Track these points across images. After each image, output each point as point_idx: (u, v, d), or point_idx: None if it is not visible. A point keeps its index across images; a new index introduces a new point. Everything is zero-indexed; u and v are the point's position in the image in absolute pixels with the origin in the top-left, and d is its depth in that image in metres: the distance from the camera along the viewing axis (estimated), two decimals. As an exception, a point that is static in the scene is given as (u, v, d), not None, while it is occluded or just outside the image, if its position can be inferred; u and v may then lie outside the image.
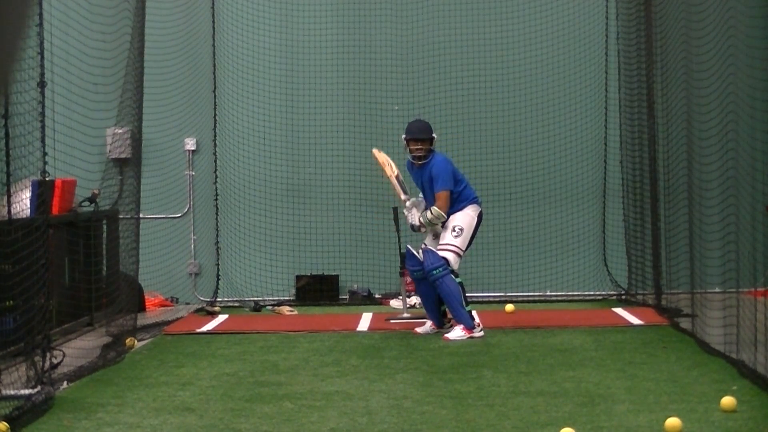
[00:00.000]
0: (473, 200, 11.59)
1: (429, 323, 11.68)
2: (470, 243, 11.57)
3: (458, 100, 14.96)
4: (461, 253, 11.47)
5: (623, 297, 14.08)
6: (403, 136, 11.70)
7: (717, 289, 10.48)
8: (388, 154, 14.93)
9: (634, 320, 12.24)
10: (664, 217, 12.76)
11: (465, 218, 11.48)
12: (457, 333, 11.22)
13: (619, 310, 13.04)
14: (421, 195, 11.70)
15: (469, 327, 11.24)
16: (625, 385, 8.73)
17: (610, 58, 14.68)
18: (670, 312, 12.24)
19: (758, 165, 10.19)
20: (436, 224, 11.45)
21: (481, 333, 11.28)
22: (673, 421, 7.19)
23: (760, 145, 10.34)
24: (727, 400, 7.72)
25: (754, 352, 8.77)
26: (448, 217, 11.43)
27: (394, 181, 11.88)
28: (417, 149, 11.53)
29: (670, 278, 12.55)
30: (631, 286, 14.17)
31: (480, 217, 11.59)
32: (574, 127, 14.66)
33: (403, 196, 11.74)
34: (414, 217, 11.59)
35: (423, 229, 11.60)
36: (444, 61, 15.02)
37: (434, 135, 11.64)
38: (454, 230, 11.42)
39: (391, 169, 11.96)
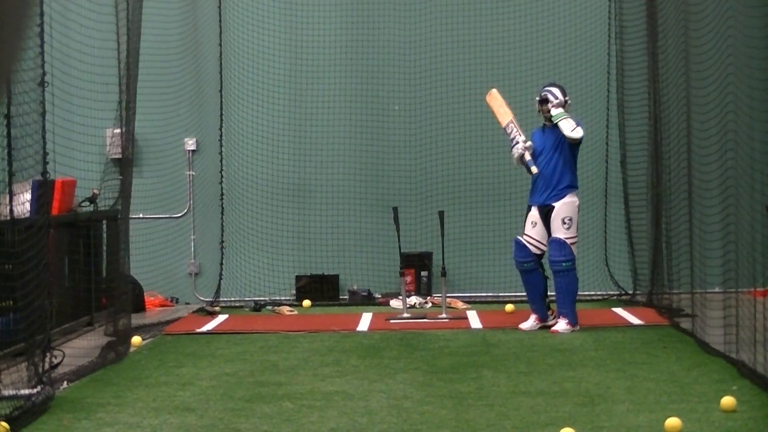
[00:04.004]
0: (571, 187, 11.58)
1: (533, 318, 11.66)
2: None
3: (460, 100, 14.96)
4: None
5: (623, 297, 14.07)
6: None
7: (717, 289, 10.48)
8: (393, 154, 14.98)
9: (634, 320, 12.24)
10: (665, 217, 12.77)
11: (571, 208, 11.47)
12: (562, 326, 11.40)
13: (619, 310, 13.03)
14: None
15: (573, 323, 11.42)
16: (625, 385, 8.73)
17: (612, 58, 14.68)
18: (670, 312, 12.25)
19: (757, 165, 10.20)
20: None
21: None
22: (673, 421, 7.19)
23: (760, 146, 10.36)
24: (727, 400, 7.72)
25: (754, 352, 8.77)
26: (552, 207, 11.45)
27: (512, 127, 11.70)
28: None
29: (671, 278, 12.55)
30: (632, 286, 14.16)
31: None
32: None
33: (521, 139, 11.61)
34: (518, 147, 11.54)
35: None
36: (446, 61, 15.02)
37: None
38: (564, 222, 11.44)
39: (506, 115, 11.74)
